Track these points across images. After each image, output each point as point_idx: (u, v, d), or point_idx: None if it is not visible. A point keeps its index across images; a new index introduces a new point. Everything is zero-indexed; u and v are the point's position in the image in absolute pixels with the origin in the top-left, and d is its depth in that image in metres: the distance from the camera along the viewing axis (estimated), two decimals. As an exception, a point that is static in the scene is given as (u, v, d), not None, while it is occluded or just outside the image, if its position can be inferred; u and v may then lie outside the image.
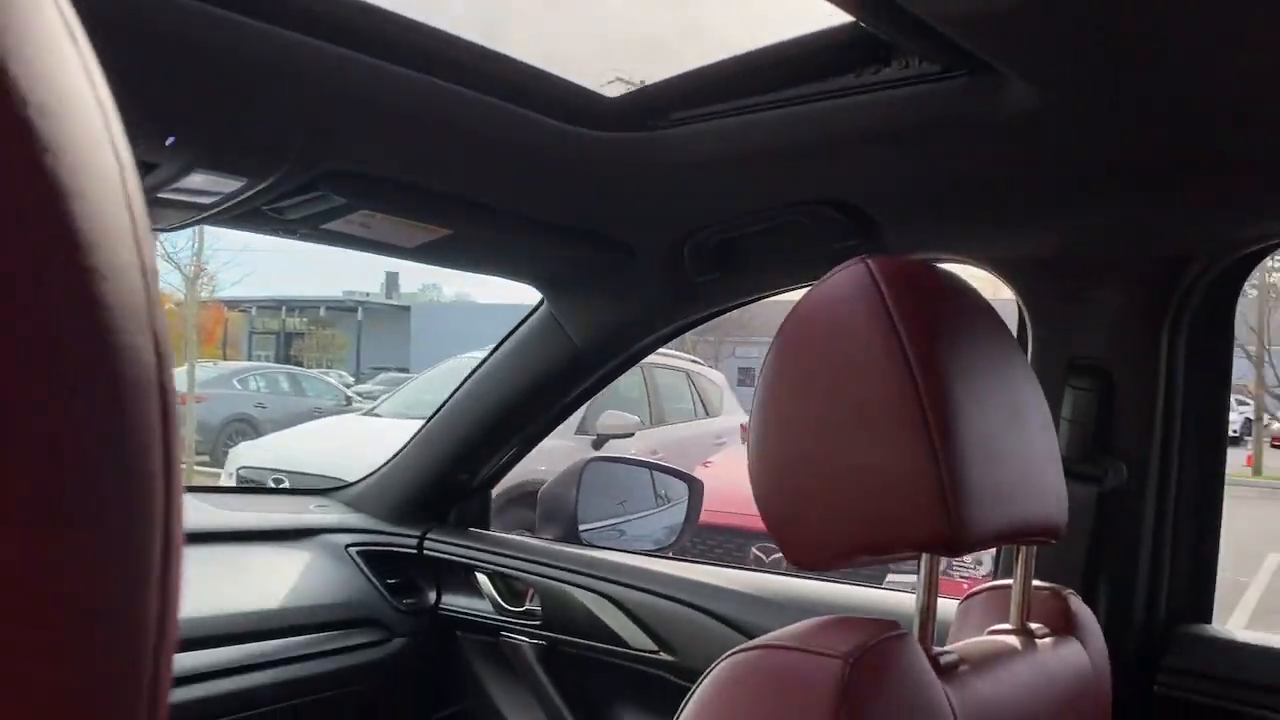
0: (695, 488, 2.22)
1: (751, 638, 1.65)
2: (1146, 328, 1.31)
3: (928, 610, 0.81)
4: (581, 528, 2.08)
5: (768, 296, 1.68)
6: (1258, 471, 18.68)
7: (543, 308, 1.80)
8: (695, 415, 8.03)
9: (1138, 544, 1.34)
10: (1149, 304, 1.30)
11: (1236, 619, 7.21)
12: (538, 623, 1.89)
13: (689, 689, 1.79)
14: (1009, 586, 0.97)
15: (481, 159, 1.26)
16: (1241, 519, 11.91)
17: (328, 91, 1.05)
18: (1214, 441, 1.42)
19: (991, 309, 0.88)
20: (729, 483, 5.87)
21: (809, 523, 0.80)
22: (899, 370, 0.75)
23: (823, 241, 1.42)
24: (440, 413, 2.02)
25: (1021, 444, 0.84)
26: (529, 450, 2.08)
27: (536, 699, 1.91)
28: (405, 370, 23.36)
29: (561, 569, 1.88)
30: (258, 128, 1.08)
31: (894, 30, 0.98)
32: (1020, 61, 0.98)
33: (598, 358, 1.80)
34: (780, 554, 3.24)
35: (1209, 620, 1.43)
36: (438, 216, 1.34)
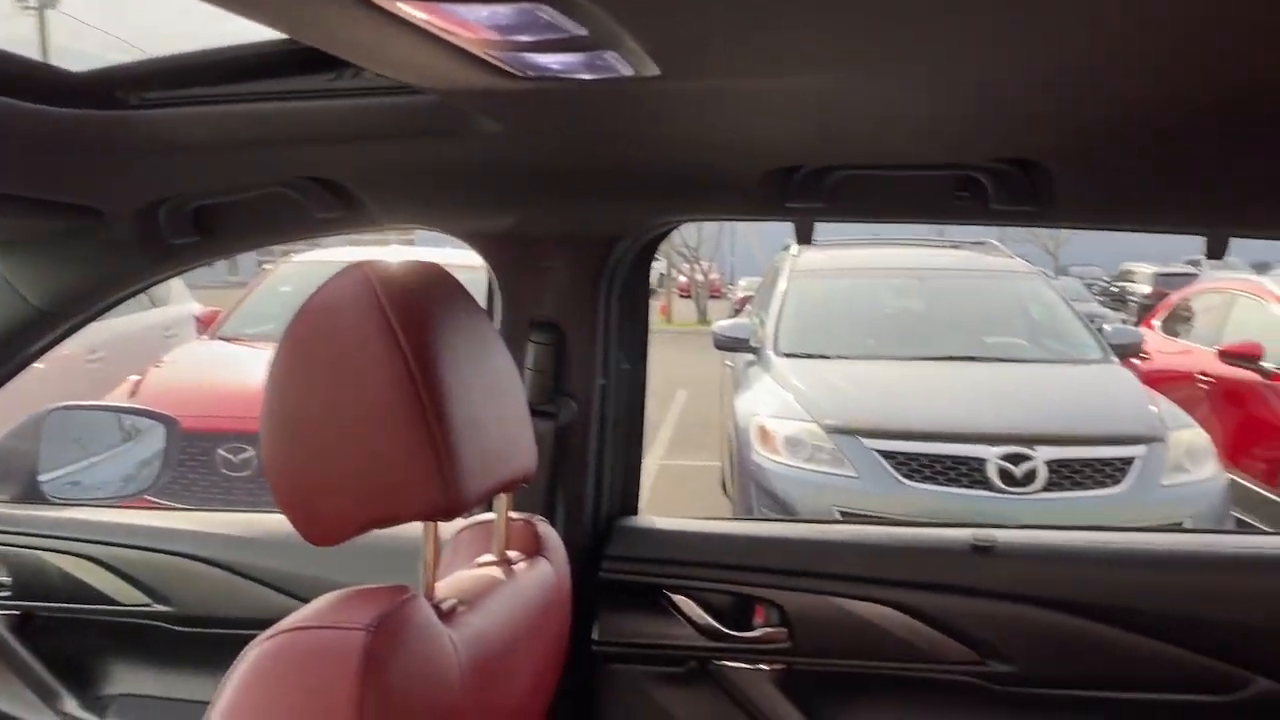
0: (171, 427, 2.17)
1: (241, 576, 1.73)
2: (588, 291, 1.59)
3: (432, 569, 0.96)
4: (42, 479, 1.95)
5: (251, 250, 1.70)
6: (669, 319, 21.79)
7: None
8: (140, 306, 7.38)
9: (585, 464, 1.65)
10: (590, 272, 1.58)
11: (656, 452, 8.53)
12: (8, 594, 1.78)
13: (190, 635, 1.83)
14: (491, 521, 1.17)
15: None
16: (658, 363, 13.85)
17: None
18: (638, 373, 1.77)
19: (470, 297, 1.04)
20: (187, 383, 5.59)
21: (322, 504, 0.89)
22: (397, 364, 0.86)
23: (308, 211, 1.49)
24: None
25: (500, 412, 1.01)
26: None
27: (15, 672, 1.81)
28: None
29: (31, 535, 1.78)
30: None
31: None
32: (479, 107, 1.13)
33: (58, 317, 1.69)
34: (250, 454, 3.33)
35: (636, 512, 1.81)
36: None
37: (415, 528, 0.95)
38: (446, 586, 1.02)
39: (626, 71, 0.86)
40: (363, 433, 0.87)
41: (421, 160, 1.37)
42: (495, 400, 0.99)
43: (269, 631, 0.83)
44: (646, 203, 1.52)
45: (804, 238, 1.51)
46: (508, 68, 0.86)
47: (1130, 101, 1.02)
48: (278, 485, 0.89)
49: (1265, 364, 5.74)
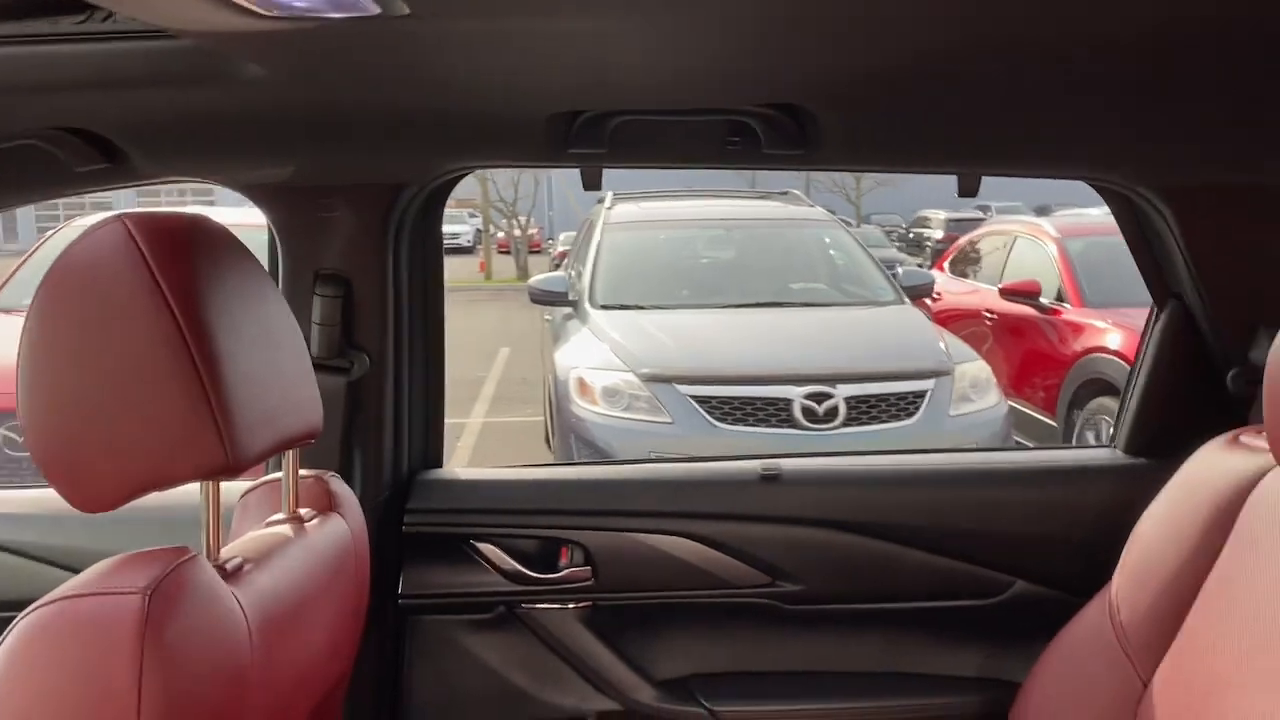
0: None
1: (16, 555, 1.63)
2: (375, 241, 1.57)
3: (213, 528, 0.94)
4: None
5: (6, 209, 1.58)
6: (489, 276, 21.53)
7: None
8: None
9: (382, 418, 1.64)
10: (376, 221, 1.56)
11: (478, 410, 8.48)
12: None
13: None
14: (280, 480, 1.15)
15: None
16: (479, 320, 13.76)
17: None
18: (434, 324, 1.76)
19: (243, 247, 1.01)
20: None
21: (90, 469, 0.86)
22: (164, 320, 0.83)
23: (66, 165, 1.40)
24: None
25: (279, 368, 0.99)
26: None
27: None
28: None
29: None
30: None
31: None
32: (238, 50, 1.09)
33: None
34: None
35: (440, 465, 1.82)
36: None
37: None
38: (233, 547, 1.01)
39: (374, 10, 0.85)
40: (129, 392, 0.84)
41: (186, 108, 1.31)
42: (273, 354, 0.98)
43: (37, 603, 0.80)
44: (429, 149, 1.50)
45: (591, 183, 1.54)
46: (252, 6, 0.84)
47: (888, 48, 1.08)
48: (40, 452, 0.86)
49: (1042, 300, 6.22)
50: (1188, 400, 1.73)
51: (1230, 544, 1.13)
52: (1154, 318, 1.77)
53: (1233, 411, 1.64)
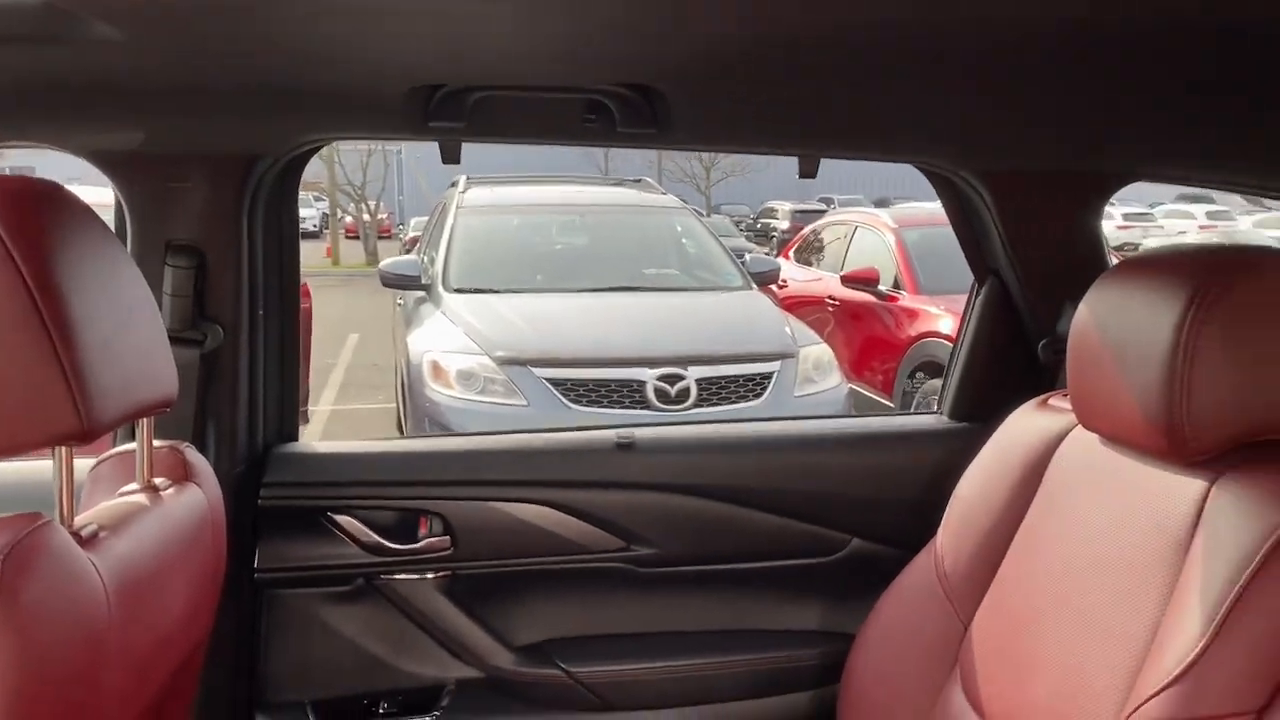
0: None
1: None
2: (229, 212, 1.55)
3: (66, 494, 0.93)
4: None
5: None
6: (336, 262, 20.94)
7: None
8: None
9: (236, 391, 1.62)
10: (230, 192, 1.54)
11: (326, 396, 8.28)
12: None
13: None
14: (134, 451, 1.14)
15: None
16: (327, 307, 13.34)
17: None
18: (289, 298, 1.75)
19: (96, 216, 0.99)
20: None
21: None
22: (14, 285, 0.82)
23: None
24: None
25: (134, 335, 0.99)
26: None
27: None
28: None
29: None
30: None
31: None
32: (92, 11, 1.07)
33: None
34: None
35: (296, 439, 1.80)
36: None
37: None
38: (87, 515, 1.00)
39: None
40: None
41: (29, 69, 1.26)
42: (127, 321, 0.97)
43: None
44: (287, 119, 1.49)
45: (450, 157, 1.56)
46: None
47: (730, 33, 1.14)
48: None
49: (880, 287, 6.52)
50: (1004, 368, 1.89)
51: (1038, 496, 1.26)
52: (975, 293, 1.92)
53: (1043, 378, 1.80)
